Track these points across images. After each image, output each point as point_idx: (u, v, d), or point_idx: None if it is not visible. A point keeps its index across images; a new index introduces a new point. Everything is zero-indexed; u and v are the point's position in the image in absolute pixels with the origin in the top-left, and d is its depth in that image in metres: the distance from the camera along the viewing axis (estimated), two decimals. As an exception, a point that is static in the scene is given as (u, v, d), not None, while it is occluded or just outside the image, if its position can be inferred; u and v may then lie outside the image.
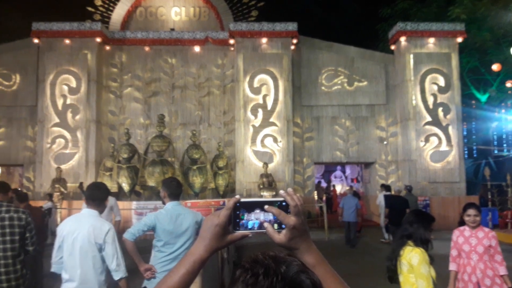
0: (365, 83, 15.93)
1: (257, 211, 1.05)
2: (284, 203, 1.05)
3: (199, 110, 15.87)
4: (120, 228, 6.64)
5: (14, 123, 15.36)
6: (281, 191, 1.07)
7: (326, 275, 1.01)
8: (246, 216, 1.05)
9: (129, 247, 3.62)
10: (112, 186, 13.09)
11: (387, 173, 15.71)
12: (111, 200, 6.95)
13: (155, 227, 3.77)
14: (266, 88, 14.82)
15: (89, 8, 16.64)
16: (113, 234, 3.37)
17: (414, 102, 14.83)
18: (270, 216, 1.05)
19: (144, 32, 15.93)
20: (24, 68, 15.44)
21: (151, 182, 13.38)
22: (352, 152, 15.79)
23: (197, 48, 15.86)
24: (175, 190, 3.92)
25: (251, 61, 14.95)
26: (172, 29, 16.59)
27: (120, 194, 13.56)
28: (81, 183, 12.21)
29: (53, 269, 3.39)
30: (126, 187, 13.63)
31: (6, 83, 15.41)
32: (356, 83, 15.93)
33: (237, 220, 1.05)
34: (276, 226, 1.04)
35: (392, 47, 16.02)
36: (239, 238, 1.06)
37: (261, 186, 13.49)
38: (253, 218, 1.05)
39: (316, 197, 14.81)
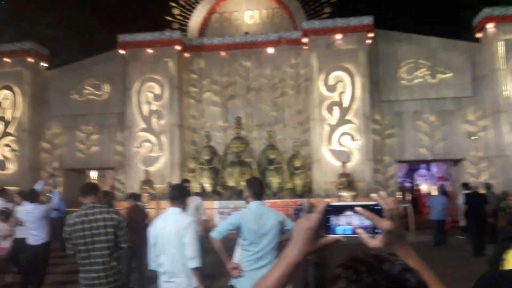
0: (450, 75, 14.89)
1: (349, 214, 1.04)
2: (376, 207, 1.02)
3: (274, 111, 15.99)
4: (206, 227, 6.88)
5: (105, 129, 16.68)
6: (373, 194, 1.04)
7: (429, 282, 0.94)
8: (336, 219, 1.05)
9: (216, 245, 3.75)
10: (196, 187, 13.65)
11: (478, 170, 14.52)
12: (196, 200, 7.25)
13: (240, 226, 3.85)
14: (342, 85, 14.50)
15: (168, 18, 17.54)
16: (193, 227, 3.63)
17: (505, 92, 13.57)
18: (364, 220, 1.02)
19: (220, 37, 16.43)
20: (112, 78, 16.70)
21: (231, 182, 13.77)
22: (438, 149, 14.83)
23: (270, 50, 16.00)
24: (258, 189, 3.99)
25: (325, 59, 14.71)
26: (246, 33, 16.91)
27: (202, 194, 14.13)
28: (169, 183, 12.91)
29: (152, 267, 3.66)
30: (208, 187, 14.19)
31: (97, 92, 16.80)
32: (439, 76, 14.95)
33: (328, 224, 1.05)
34: (369, 231, 1.02)
35: (478, 35, 14.78)
36: (333, 242, 1.07)
37: (340, 186, 13.21)
38: (344, 222, 1.04)
39: (400, 197, 14.14)
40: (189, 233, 3.56)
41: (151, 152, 15.30)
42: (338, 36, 14.72)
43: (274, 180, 14.05)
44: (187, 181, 7.21)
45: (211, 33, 17.41)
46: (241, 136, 14.61)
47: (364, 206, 1.02)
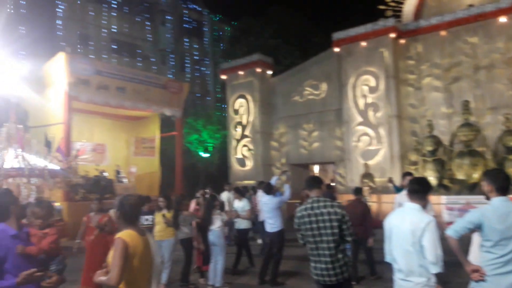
0: None
1: None
2: None
3: (512, 90, 13.54)
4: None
5: (325, 126, 17.51)
6: None
7: None
8: None
9: (452, 244, 3.43)
10: (418, 180, 12.86)
11: None
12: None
13: (482, 225, 3.41)
14: None
15: (380, 7, 17.03)
16: (432, 226, 3.27)
17: None
18: None
19: (439, 16, 14.99)
20: (328, 76, 17.39)
21: (460, 175, 12.40)
22: None
23: (503, 19, 13.63)
24: (504, 183, 3.43)
25: None
26: (471, 5, 14.87)
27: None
28: (390, 178, 12.59)
29: (387, 259, 3.62)
30: (433, 180, 13.12)
31: (316, 92, 17.80)
32: None
33: None
34: None
35: None
36: None
37: None
38: None
39: None
40: (428, 235, 3.26)
41: (370, 146, 15.22)
42: None
43: (517, 172, 11.90)
44: (409, 174, 6.84)
45: (428, 14, 16.10)
46: (470, 123, 12.98)
47: None
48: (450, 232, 3.45)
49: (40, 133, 13.65)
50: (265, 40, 26.09)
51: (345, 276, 3.95)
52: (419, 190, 3.49)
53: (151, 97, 15.82)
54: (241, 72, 19.36)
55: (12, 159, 10.04)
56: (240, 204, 8.50)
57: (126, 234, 2.77)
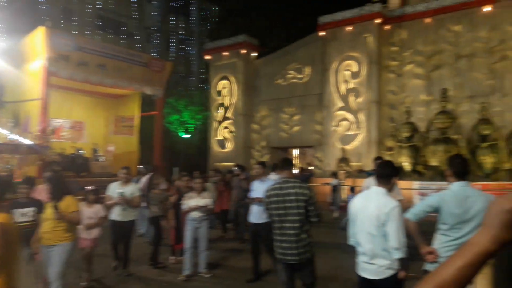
0: None
1: None
2: None
3: (491, 79, 13.72)
4: (402, 208, 6.50)
5: (306, 110, 17.55)
6: None
7: None
8: None
9: (411, 228, 3.48)
10: (394, 166, 13.06)
11: None
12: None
13: (440, 209, 3.48)
14: None
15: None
16: (397, 212, 3.29)
17: None
18: None
19: (425, 3, 15.01)
20: (312, 60, 17.34)
21: (433, 162, 12.65)
22: None
23: (487, 8, 13.72)
24: (461, 168, 3.49)
25: None
26: (457, -7, 14.88)
27: (401, 174, 13.42)
28: (360, 169, 12.76)
29: (350, 242, 3.66)
30: (407, 166, 13.37)
31: (299, 76, 17.77)
32: None
33: None
34: None
35: None
36: None
37: None
38: None
39: None
40: (392, 220, 3.26)
41: (349, 131, 15.33)
42: None
43: (487, 160, 12.23)
44: (379, 158, 6.87)
45: (414, 1, 16.05)
46: (447, 110, 13.16)
47: None
48: (409, 215, 3.51)
49: (17, 109, 13.33)
50: (252, 22, 25.78)
51: (308, 256, 4.00)
52: (385, 173, 3.51)
53: (132, 75, 15.51)
54: (225, 53, 19.15)
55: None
56: (128, 189, 6.36)
57: None
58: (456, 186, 3.48)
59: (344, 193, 12.80)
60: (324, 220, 11.79)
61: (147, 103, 18.47)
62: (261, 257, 6.21)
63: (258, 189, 6.01)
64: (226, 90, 18.99)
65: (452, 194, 3.45)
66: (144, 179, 8.50)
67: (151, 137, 17.51)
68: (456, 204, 3.40)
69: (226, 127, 18.89)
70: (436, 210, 3.51)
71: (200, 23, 41.76)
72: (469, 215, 3.32)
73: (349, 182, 13.50)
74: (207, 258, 6.38)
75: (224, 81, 19.08)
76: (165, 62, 17.28)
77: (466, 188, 3.48)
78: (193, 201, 6.23)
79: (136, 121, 17.40)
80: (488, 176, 12.27)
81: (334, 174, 13.21)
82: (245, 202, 7.63)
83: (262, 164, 6.47)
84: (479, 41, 14.05)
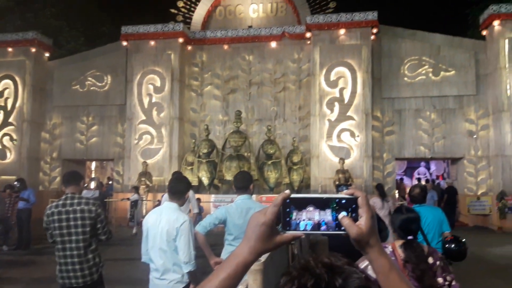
0: (453, 72, 14.74)
1: (310, 209, 0.90)
2: (343, 201, 0.91)
3: (275, 106, 15.91)
4: (198, 221, 6.87)
5: (106, 121, 16.67)
6: (345, 190, 0.94)
7: (400, 283, 0.88)
8: (297, 214, 0.91)
9: (200, 240, 3.69)
10: (193, 180, 13.64)
11: (477, 170, 14.42)
12: (189, 192, 7.21)
13: (226, 221, 3.82)
14: (343, 81, 14.39)
15: (172, 10, 17.42)
16: (187, 226, 3.38)
17: (509, 92, 13.43)
18: (327, 216, 0.90)
19: (223, 30, 16.33)
20: (114, 69, 16.66)
21: (228, 176, 13.74)
22: (438, 147, 14.72)
23: (273, 44, 15.90)
24: (240, 183, 3.92)
25: (328, 54, 14.60)
26: (250, 27, 16.79)
27: (200, 188, 14.14)
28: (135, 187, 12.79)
29: (143, 259, 3.59)
30: (205, 180, 14.17)
31: (99, 84, 16.78)
32: (442, 73, 14.80)
33: (287, 219, 0.91)
34: (336, 226, 0.90)
35: (484, 33, 14.62)
36: (290, 240, 0.93)
37: (337, 183, 13.16)
38: (305, 218, 0.90)
39: (397, 195, 14.08)
40: (182, 235, 3.33)
41: (151, 145, 15.29)
42: (342, 31, 14.59)
43: (272, 175, 14.04)
44: (177, 173, 7.13)
45: (214, 26, 17.30)
46: (240, 130, 14.57)
47: (329, 200, 0.91)
48: (198, 228, 3.73)
49: None
50: (46, 19, 23.09)
51: (94, 278, 3.75)
52: (176, 189, 3.60)
53: None
54: (10, 49, 16.58)
55: None
56: None
57: None
58: (239, 199, 3.91)
59: (145, 208, 12.66)
60: (122, 237, 11.36)
61: None
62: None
63: None
64: (9, 91, 16.42)
65: (236, 207, 3.85)
66: None
67: None
68: (239, 215, 3.80)
69: (6, 134, 16.24)
70: (222, 222, 3.84)
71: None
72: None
73: (150, 197, 13.41)
74: None
75: (7, 81, 16.45)
76: None
77: (247, 201, 3.92)
78: None
79: None
80: (272, 190, 14.07)
81: (136, 189, 12.93)
82: None
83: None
84: (266, 71, 16.10)
